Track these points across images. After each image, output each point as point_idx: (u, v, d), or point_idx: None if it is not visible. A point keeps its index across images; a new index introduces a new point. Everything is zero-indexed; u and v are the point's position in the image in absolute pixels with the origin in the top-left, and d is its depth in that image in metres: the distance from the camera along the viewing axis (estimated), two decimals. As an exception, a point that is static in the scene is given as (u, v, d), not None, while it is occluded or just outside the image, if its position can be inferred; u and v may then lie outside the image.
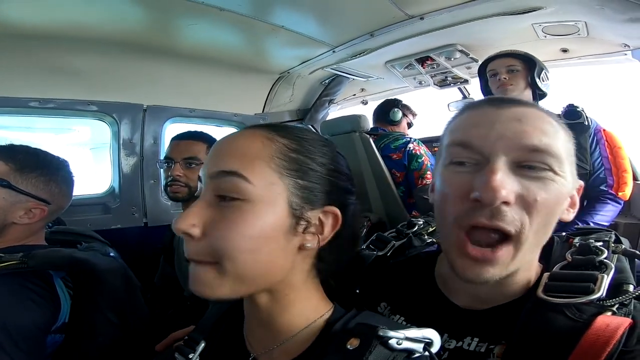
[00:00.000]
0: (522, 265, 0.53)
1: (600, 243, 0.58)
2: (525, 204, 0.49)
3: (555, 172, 0.50)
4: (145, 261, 1.72)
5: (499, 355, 0.52)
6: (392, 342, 0.45)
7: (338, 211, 0.53)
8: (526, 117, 0.52)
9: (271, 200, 0.49)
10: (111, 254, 1.20)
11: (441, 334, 0.57)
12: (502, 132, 0.51)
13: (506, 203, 0.48)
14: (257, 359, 0.55)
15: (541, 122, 0.52)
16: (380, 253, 0.75)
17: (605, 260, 0.53)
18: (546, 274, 0.55)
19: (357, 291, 0.70)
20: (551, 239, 0.58)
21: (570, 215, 0.56)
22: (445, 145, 0.57)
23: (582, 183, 0.57)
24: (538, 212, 0.49)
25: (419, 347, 0.47)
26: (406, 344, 0.46)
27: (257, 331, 0.57)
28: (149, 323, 1.15)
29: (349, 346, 0.46)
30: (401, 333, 0.46)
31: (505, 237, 0.50)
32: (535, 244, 0.52)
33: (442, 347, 0.56)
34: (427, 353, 0.47)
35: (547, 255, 0.59)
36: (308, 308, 0.55)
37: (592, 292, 0.49)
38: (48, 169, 1.04)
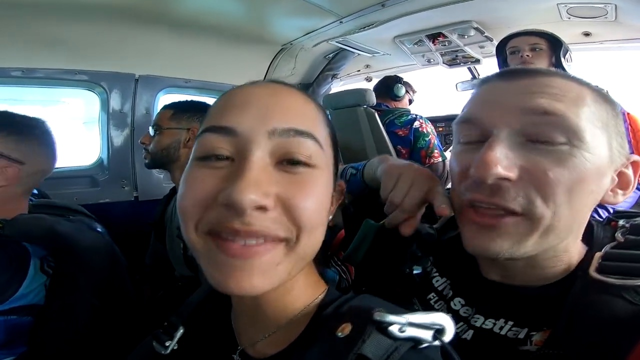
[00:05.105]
0: (550, 248, 0.48)
1: None
2: (534, 179, 0.44)
3: (573, 145, 0.44)
4: (136, 238, 1.65)
5: (538, 343, 0.46)
6: (393, 328, 0.37)
7: (344, 184, 0.52)
8: (538, 85, 0.46)
9: (331, 171, 0.46)
10: (98, 229, 1.12)
11: (470, 307, 0.54)
12: (507, 105, 0.47)
13: (507, 179, 0.44)
14: (246, 352, 0.47)
15: (556, 89, 0.46)
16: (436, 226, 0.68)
17: None
18: (598, 254, 0.48)
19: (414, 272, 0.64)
20: (588, 224, 0.52)
21: (619, 198, 0.49)
22: (454, 124, 0.55)
23: (637, 158, 0.50)
24: (552, 188, 0.44)
25: (427, 335, 0.38)
26: (411, 332, 0.37)
27: (244, 320, 0.49)
28: (135, 306, 1.09)
29: (339, 333, 0.38)
30: (404, 318, 0.37)
31: (512, 214, 0.46)
32: (565, 227, 0.46)
33: (467, 324, 0.53)
34: (437, 342, 0.38)
35: (588, 239, 0.53)
36: (307, 288, 0.48)
37: None
38: (16, 128, 0.98)
